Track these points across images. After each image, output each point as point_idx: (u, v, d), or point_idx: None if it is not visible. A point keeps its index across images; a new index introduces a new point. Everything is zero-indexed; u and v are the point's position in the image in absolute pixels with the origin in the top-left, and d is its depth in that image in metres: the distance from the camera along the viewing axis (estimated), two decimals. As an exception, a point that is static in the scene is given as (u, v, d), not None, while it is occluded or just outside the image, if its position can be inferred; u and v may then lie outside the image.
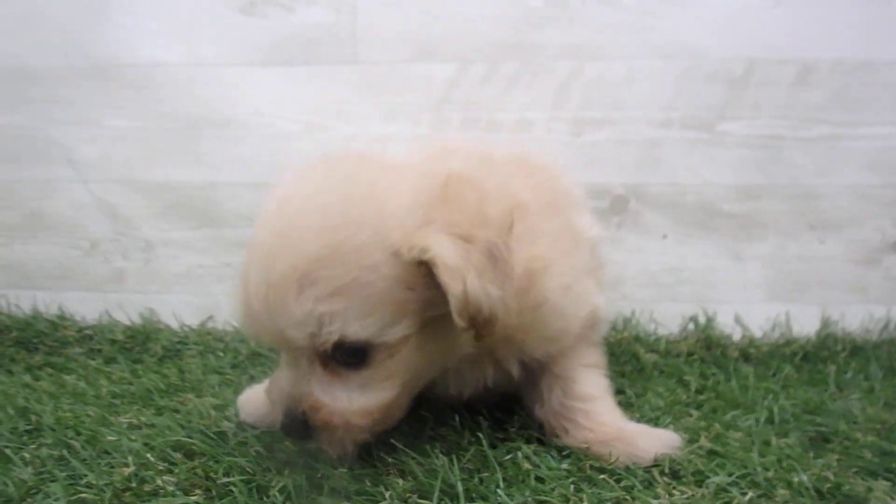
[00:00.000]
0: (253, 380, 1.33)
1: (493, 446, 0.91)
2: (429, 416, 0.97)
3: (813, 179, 1.63)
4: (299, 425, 0.75)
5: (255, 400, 1.04)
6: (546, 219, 0.88)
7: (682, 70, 1.63)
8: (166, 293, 1.73)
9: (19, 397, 1.17)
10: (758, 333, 1.63)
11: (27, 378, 1.34)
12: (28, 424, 1.04)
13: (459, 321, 0.71)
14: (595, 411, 0.95)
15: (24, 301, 1.72)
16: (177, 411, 1.13)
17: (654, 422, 1.07)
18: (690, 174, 1.65)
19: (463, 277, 0.69)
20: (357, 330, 0.71)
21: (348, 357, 0.74)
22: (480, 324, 0.72)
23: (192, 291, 1.72)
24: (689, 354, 1.54)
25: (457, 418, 0.98)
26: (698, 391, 1.28)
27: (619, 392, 1.26)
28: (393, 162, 0.82)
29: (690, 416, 1.13)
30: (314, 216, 0.73)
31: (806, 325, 1.63)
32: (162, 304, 1.73)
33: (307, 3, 1.68)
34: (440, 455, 0.84)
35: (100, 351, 1.55)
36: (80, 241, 1.74)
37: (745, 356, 1.53)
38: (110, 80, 1.70)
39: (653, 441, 0.92)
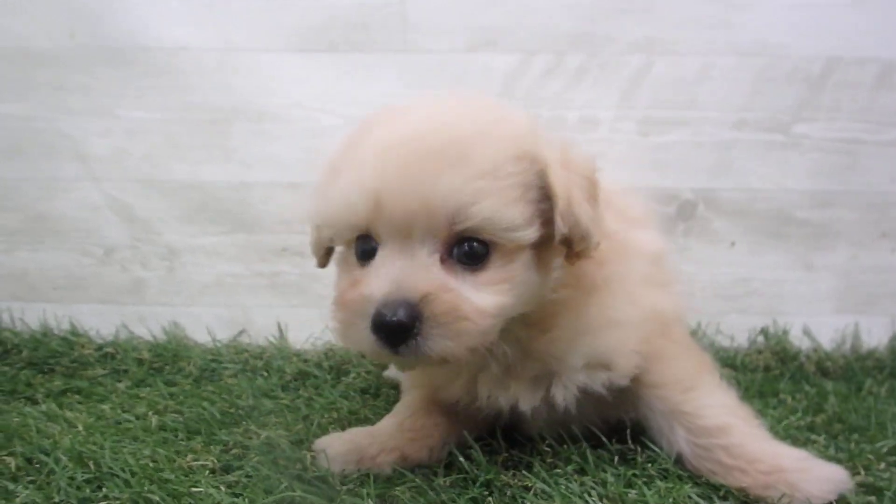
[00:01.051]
0: (311, 404, 1.19)
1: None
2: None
3: (888, 186, 1.55)
4: (409, 317, 0.70)
5: (337, 445, 0.92)
6: None
7: (759, 69, 1.52)
8: (192, 305, 1.55)
9: (60, 434, 0.99)
10: (827, 345, 1.56)
11: (54, 407, 1.17)
12: (86, 472, 0.87)
13: (562, 225, 0.75)
14: (735, 444, 0.85)
15: (31, 315, 1.53)
16: (246, 447, 0.98)
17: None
18: (763, 179, 1.55)
19: (568, 186, 0.76)
20: (502, 217, 0.73)
21: (469, 256, 0.75)
22: (577, 238, 0.77)
23: (222, 303, 1.55)
24: (766, 369, 1.47)
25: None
26: (805, 412, 1.19)
27: None
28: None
29: (815, 441, 1.04)
30: (464, 105, 0.79)
31: (875, 337, 1.57)
32: (187, 318, 1.55)
33: (347, -20, 1.51)
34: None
35: (125, 372, 1.38)
36: (92, 248, 1.55)
37: (822, 370, 1.47)
38: (127, 64, 1.50)
39: (820, 483, 0.81)
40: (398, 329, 0.70)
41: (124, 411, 1.13)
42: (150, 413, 1.12)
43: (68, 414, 1.11)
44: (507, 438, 0.97)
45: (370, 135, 0.77)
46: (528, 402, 0.87)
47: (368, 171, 0.73)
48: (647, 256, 0.94)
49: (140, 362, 1.39)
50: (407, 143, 0.74)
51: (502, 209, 0.73)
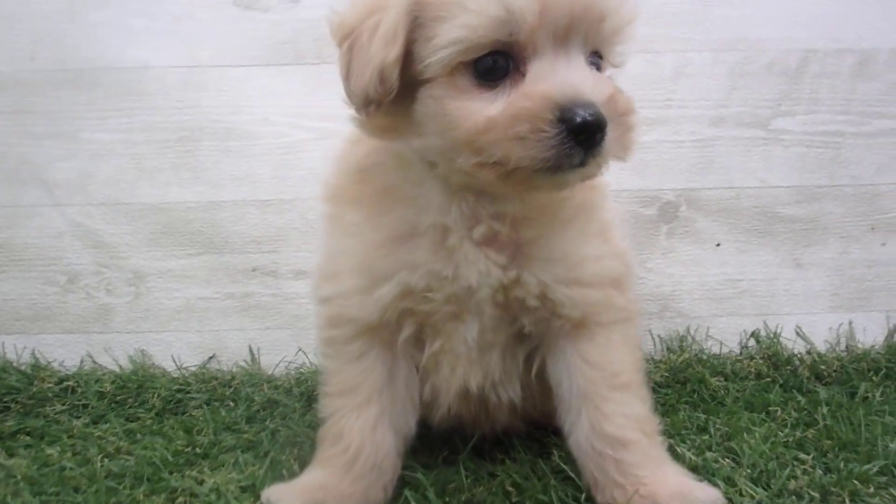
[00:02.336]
0: (275, 438, 1.13)
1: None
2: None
3: (874, 178, 1.52)
4: (601, 118, 0.69)
5: (289, 498, 0.86)
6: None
7: (735, 63, 1.50)
8: (161, 332, 1.49)
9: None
10: (821, 346, 1.50)
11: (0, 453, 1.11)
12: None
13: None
14: (627, 462, 0.84)
15: (-8, 348, 1.47)
16: (195, 495, 0.91)
17: (766, 475, 0.93)
18: (746, 176, 1.52)
19: None
20: (629, 29, 0.76)
21: (595, 66, 0.76)
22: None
23: (192, 329, 1.49)
24: (758, 376, 1.41)
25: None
26: (794, 426, 1.13)
27: (702, 430, 1.13)
28: None
29: (803, 461, 0.98)
30: None
31: (871, 334, 1.51)
32: (156, 345, 1.49)
33: (314, -8, 1.49)
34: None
35: (86, 406, 1.32)
36: (56, 276, 1.49)
37: (817, 375, 1.41)
38: (90, 86, 1.47)
39: None
40: (597, 128, 0.68)
41: (75, 454, 1.08)
42: (99, 457, 1.06)
43: (11, 461, 1.05)
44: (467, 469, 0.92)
45: None
46: (496, 278, 0.83)
47: None
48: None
49: (101, 395, 1.33)
50: None
51: (633, 16, 0.75)
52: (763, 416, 1.20)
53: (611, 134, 0.70)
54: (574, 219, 0.86)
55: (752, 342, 1.51)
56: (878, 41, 1.49)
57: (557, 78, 0.70)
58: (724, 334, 1.52)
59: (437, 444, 1.06)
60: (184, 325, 1.49)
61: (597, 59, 0.77)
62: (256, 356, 1.49)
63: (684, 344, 1.50)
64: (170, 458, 1.05)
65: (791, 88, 1.50)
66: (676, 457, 0.97)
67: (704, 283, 1.53)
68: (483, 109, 0.71)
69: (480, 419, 1.01)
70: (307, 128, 1.48)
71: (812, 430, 1.10)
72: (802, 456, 1.00)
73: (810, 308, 1.53)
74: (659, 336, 1.50)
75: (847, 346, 1.50)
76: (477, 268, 0.83)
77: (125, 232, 1.48)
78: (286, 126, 1.48)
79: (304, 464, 0.96)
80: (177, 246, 1.49)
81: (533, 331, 0.89)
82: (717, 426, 1.13)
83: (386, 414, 0.89)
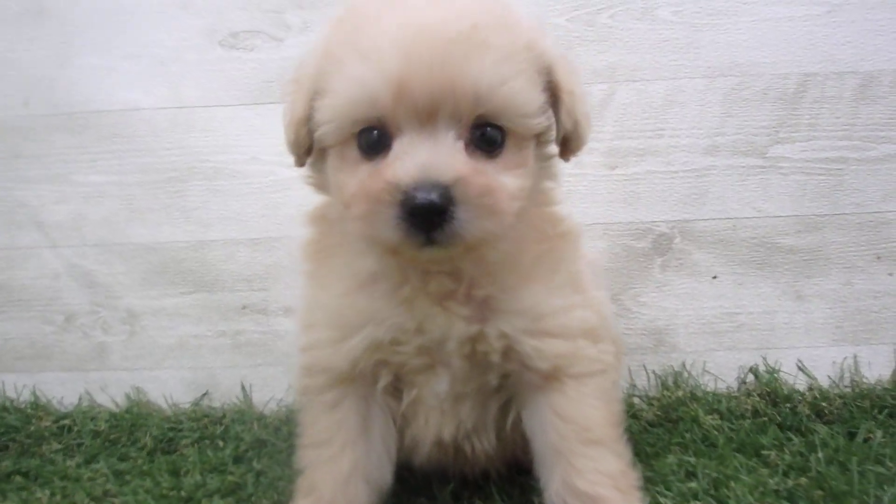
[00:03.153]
0: (259, 481, 1.14)
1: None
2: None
3: (879, 205, 1.45)
4: (443, 199, 0.69)
5: None
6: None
7: (730, 89, 1.45)
8: (155, 369, 1.52)
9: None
10: (824, 381, 1.45)
11: (-7, 495, 1.14)
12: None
13: (567, 122, 0.79)
14: None
15: (-5, 386, 1.51)
16: None
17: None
18: (743, 206, 1.47)
19: (574, 81, 0.79)
20: (523, 101, 0.74)
21: (486, 141, 0.75)
22: (574, 136, 0.82)
23: (186, 366, 1.52)
24: (755, 414, 1.36)
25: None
26: (785, 473, 1.09)
27: (690, 475, 1.10)
28: None
29: None
30: (456, 8, 0.75)
31: (877, 369, 1.45)
32: (151, 382, 1.52)
33: (298, 30, 1.49)
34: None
35: (80, 446, 1.34)
36: (53, 315, 1.53)
37: (818, 412, 1.35)
38: (81, 130, 1.50)
39: None
40: (433, 211, 0.69)
41: (63, 497, 1.10)
42: (86, 502, 1.08)
43: None
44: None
45: (374, 22, 0.74)
46: (461, 331, 0.82)
47: (389, 57, 0.70)
48: (588, 262, 0.97)
49: (96, 434, 1.36)
50: (428, 29, 0.71)
51: (523, 92, 0.74)
52: (755, 460, 1.16)
53: (463, 216, 0.70)
54: (538, 270, 0.85)
55: (750, 377, 1.47)
56: (881, 63, 1.42)
57: (407, 158, 0.71)
58: (722, 369, 1.48)
59: (416, 487, 1.06)
60: (177, 363, 1.52)
61: (492, 131, 0.75)
62: (248, 393, 1.50)
63: (679, 380, 1.47)
64: (152, 502, 1.07)
65: (789, 114, 1.45)
66: (658, 508, 0.95)
67: (701, 316, 1.49)
68: (351, 183, 0.75)
69: (460, 463, 1.00)
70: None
71: (804, 478, 1.05)
72: (792, 509, 0.96)
73: (812, 342, 1.48)
74: (654, 371, 1.47)
75: (851, 381, 1.45)
76: (437, 323, 0.83)
77: (119, 272, 1.51)
78: (274, 164, 1.49)
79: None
80: (169, 285, 1.51)
81: (504, 383, 0.89)
82: (705, 471, 1.10)
83: (360, 466, 0.90)
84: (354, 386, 0.89)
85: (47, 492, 1.13)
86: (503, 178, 0.75)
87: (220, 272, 1.50)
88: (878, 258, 1.46)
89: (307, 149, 0.83)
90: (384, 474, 0.92)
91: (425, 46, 0.70)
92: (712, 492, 1.03)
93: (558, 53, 0.80)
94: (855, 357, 1.46)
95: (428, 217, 0.69)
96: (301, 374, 0.93)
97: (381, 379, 0.88)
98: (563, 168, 1.43)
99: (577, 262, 0.91)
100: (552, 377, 0.86)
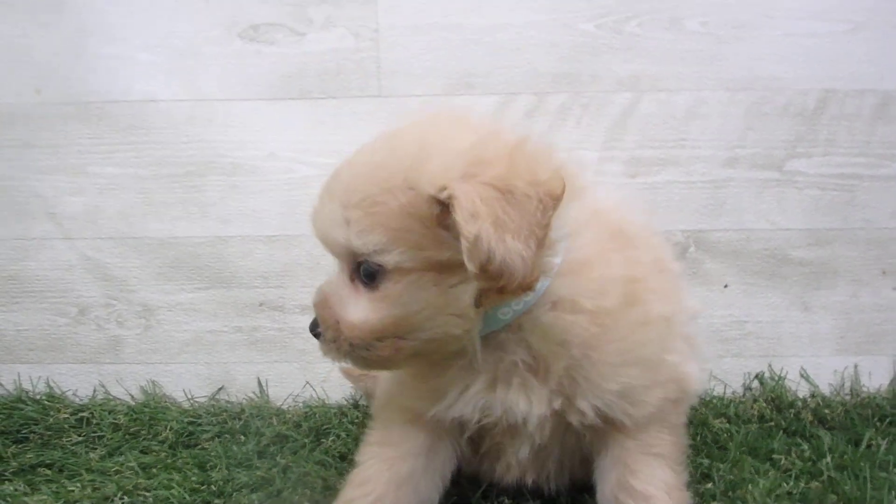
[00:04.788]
0: (286, 475, 1.16)
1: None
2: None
3: (888, 222, 1.49)
4: (313, 324, 0.85)
5: None
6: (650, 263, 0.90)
7: (751, 103, 1.46)
8: (171, 363, 1.52)
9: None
10: (826, 389, 1.50)
11: (22, 486, 1.14)
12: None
13: (470, 264, 0.71)
14: None
15: (6, 376, 1.50)
16: None
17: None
18: (758, 218, 1.49)
19: (479, 222, 0.70)
20: (362, 244, 0.77)
21: (366, 275, 0.80)
22: (492, 273, 0.72)
23: (202, 361, 1.52)
24: (762, 419, 1.41)
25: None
26: (798, 476, 1.13)
27: (705, 477, 1.14)
28: (479, 123, 0.86)
29: None
30: (371, 148, 0.84)
31: (877, 379, 1.51)
32: (166, 376, 1.52)
33: (321, 26, 1.46)
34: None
35: (101, 438, 1.35)
36: (67, 308, 1.52)
37: (820, 419, 1.40)
38: (97, 120, 1.46)
39: None
40: (312, 329, 0.85)
41: (94, 490, 1.11)
42: (118, 494, 1.09)
43: (35, 498, 1.08)
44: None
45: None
46: (544, 409, 0.85)
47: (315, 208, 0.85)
48: (689, 313, 0.97)
49: (116, 427, 1.36)
50: (330, 180, 0.84)
51: (369, 236, 0.77)
52: (767, 464, 1.20)
53: (328, 335, 0.83)
54: (626, 360, 0.85)
55: (755, 384, 1.51)
56: (900, 83, 1.44)
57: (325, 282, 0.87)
58: (729, 376, 1.52)
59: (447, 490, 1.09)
60: (193, 357, 1.52)
61: (372, 266, 0.80)
62: (265, 389, 1.51)
63: (688, 384, 1.51)
64: (186, 496, 1.08)
65: (808, 130, 1.46)
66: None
67: (710, 324, 1.52)
68: None
69: None
70: (313, 163, 1.47)
71: (816, 483, 1.10)
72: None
73: (816, 351, 1.52)
74: (662, 376, 1.51)
75: (851, 390, 1.50)
76: (520, 408, 0.85)
77: (134, 265, 1.50)
78: (292, 161, 1.48)
79: (315, 504, 0.99)
80: (185, 280, 1.50)
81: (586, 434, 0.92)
82: (720, 473, 1.14)
83: (415, 477, 0.92)
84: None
85: (77, 484, 1.14)
86: (360, 310, 0.80)
87: (236, 268, 1.50)
88: (884, 273, 1.50)
89: None
90: (433, 494, 0.95)
91: (322, 196, 0.83)
92: (729, 493, 1.07)
93: (465, 195, 0.71)
94: (856, 367, 1.51)
95: (314, 335, 0.86)
96: (379, 401, 1.03)
97: (466, 432, 0.92)
98: (585, 175, 1.47)
99: (666, 346, 0.89)
100: (634, 426, 0.90)
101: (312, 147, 1.47)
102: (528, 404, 0.85)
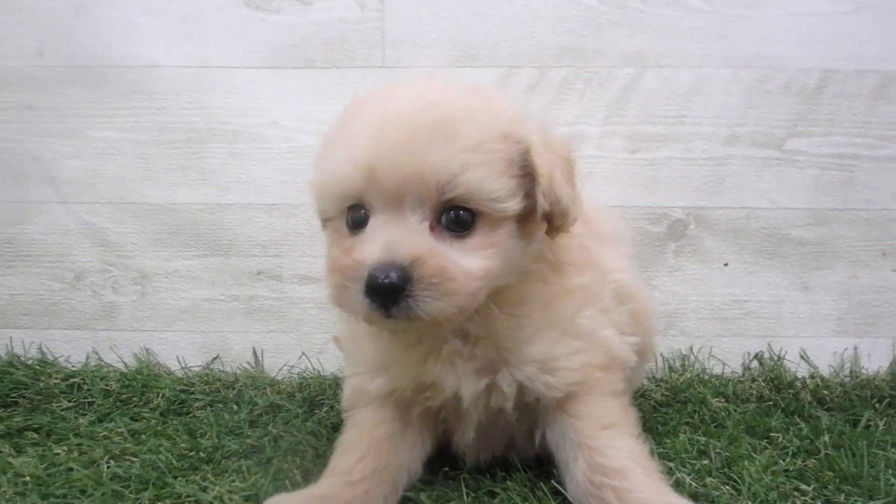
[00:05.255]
0: (277, 444, 1.14)
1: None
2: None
3: (889, 203, 1.49)
4: (400, 280, 0.75)
5: None
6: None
7: (753, 80, 1.47)
8: (166, 331, 1.50)
9: (6, 485, 0.95)
10: (825, 370, 1.50)
11: (7, 448, 1.12)
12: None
13: (543, 202, 0.81)
14: (626, 489, 0.86)
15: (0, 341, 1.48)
16: (199, 503, 0.93)
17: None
18: (758, 196, 1.49)
19: (550, 166, 0.82)
20: (488, 188, 0.78)
21: (456, 223, 0.79)
22: (557, 214, 0.83)
23: (197, 329, 1.50)
24: (760, 398, 1.40)
25: None
26: (794, 454, 1.12)
27: (702, 454, 1.12)
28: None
29: (804, 491, 0.98)
30: (454, 88, 0.85)
31: (876, 361, 1.50)
32: (161, 344, 1.50)
33: (326, -5, 1.46)
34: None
35: (91, 404, 1.33)
36: (63, 273, 1.50)
37: (819, 399, 1.39)
38: (98, 84, 1.46)
39: None
40: (390, 290, 0.74)
41: (81, 454, 1.09)
42: (105, 458, 1.07)
43: (20, 460, 1.06)
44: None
45: (362, 112, 0.82)
46: (471, 387, 0.88)
47: (362, 145, 0.78)
48: (614, 289, 1.00)
49: (107, 393, 1.35)
50: (398, 119, 0.78)
51: (486, 181, 0.78)
52: (764, 442, 1.19)
53: (421, 293, 0.76)
54: (543, 326, 0.90)
55: (754, 364, 1.51)
56: (901, 63, 1.45)
57: (375, 238, 0.78)
58: (727, 355, 1.51)
59: (437, 458, 1.07)
60: (188, 326, 1.50)
61: (462, 213, 0.80)
62: (260, 359, 1.50)
63: (686, 363, 1.50)
64: (174, 462, 1.06)
65: (808, 109, 1.47)
66: (676, 482, 0.98)
67: (710, 302, 1.52)
68: (333, 254, 0.83)
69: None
70: (315, 133, 1.47)
71: (813, 460, 1.09)
72: (803, 487, 0.99)
73: (815, 332, 1.52)
74: (662, 354, 1.50)
75: (851, 372, 1.50)
76: (449, 381, 0.89)
77: (132, 231, 1.49)
78: (294, 130, 1.47)
79: (306, 473, 0.99)
80: (183, 247, 1.49)
81: (524, 412, 0.95)
82: (717, 450, 1.13)
83: (394, 440, 0.94)
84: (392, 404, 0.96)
85: (64, 448, 1.12)
86: (464, 260, 0.79)
87: (235, 236, 1.49)
88: (884, 254, 1.50)
89: (325, 220, 0.90)
90: (415, 460, 0.97)
91: (392, 135, 0.77)
92: (725, 470, 1.06)
93: (537, 140, 0.82)
94: (855, 348, 1.51)
95: (386, 295, 0.75)
96: (347, 388, 1.02)
97: (415, 408, 0.95)
98: (586, 150, 1.47)
99: (582, 313, 0.94)
100: (567, 399, 0.93)
101: (315, 116, 1.47)
102: (457, 380, 0.89)
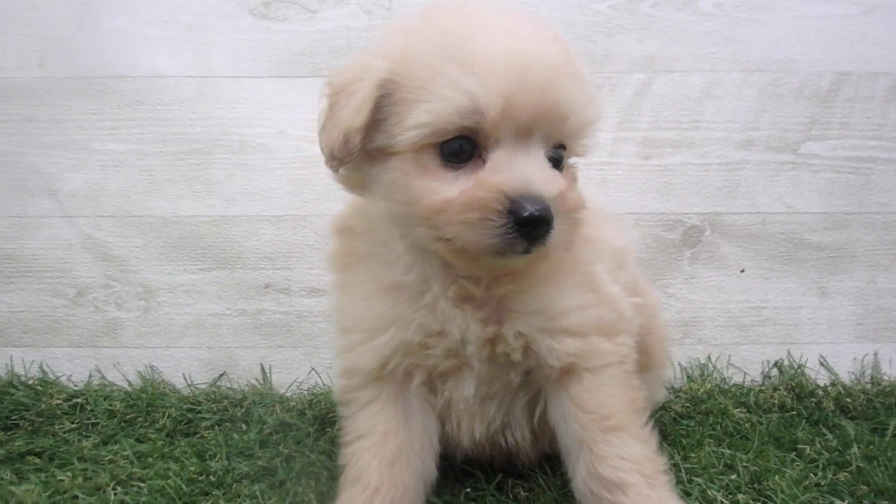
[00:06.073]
0: (290, 465, 1.10)
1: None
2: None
3: (905, 205, 1.47)
4: (551, 211, 0.75)
5: None
6: None
7: (765, 84, 1.45)
8: (171, 347, 1.46)
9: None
10: (845, 377, 1.47)
11: (9, 475, 1.08)
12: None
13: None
14: None
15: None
16: None
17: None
18: (773, 201, 1.47)
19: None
20: (595, 124, 0.81)
21: (555, 160, 0.81)
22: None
23: (203, 345, 1.46)
24: (782, 408, 1.36)
25: None
26: (825, 467, 1.09)
27: (728, 468, 1.09)
28: None
29: None
30: (544, 27, 0.83)
31: (896, 367, 1.48)
32: (165, 361, 1.46)
33: (333, 3, 1.45)
34: None
35: (95, 425, 1.29)
36: (65, 288, 1.46)
37: (842, 408, 1.36)
38: (101, 95, 1.43)
39: None
40: (542, 223, 0.74)
41: (86, 479, 1.05)
42: (111, 484, 1.03)
43: (22, 487, 1.02)
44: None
45: (478, 39, 0.77)
46: (478, 331, 0.86)
47: (500, 73, 0.74)
48: (613, 252, 0.98)
49: (111, 414, 1.30)
50: (536, 54, 0.76)
51: (596, 116, 0.81)
52: (792, 454, 1.16)
53: (558, 227, 0.75)
54: (554, 272, 0.88)
55: (774, 371, 1.48)
56: (914, 65, 1.44)
57: (512, 170, 0.75)
58: (746, 363, 1.48)
59: (460, 478, 1.04)
60: (194, 342, 1.46)
61: (559, 150, 0.82)
62: (268, 375, 1.46)
63: (705, 372, 1.47)
64: (183, 486, 1.02)
65: (822, 112, 1.46)
66: (706, 499, 0.95)
67: (727, 309, 1.49)
68: (442, 190, 0.77)
69: (499, 457, 1.02)
70: (323, 142, 1.44)
71: (845, 473, 1.06)
72: (838, 502, 0.96)
73: (834, 338, 1.49)
74: (679, 364, 1.47)
75: (872, 378, 1.47)
76: (457, 324, 0.86)
77: (135, 245, 1.45)
78: (301, 140, 1.44)
79: (321, 497, 0.95)
80: (188, 260, 1.46)
81: (526, 380, 0.92)
82: (744, 464, 1.09)
83: (403, 452, 0.90)
84: (389, 384, 0.92)
85: (68, 473, 1.08)
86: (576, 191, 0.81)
87: (242, 249, 1.45)
88: (902, 258, 1.48)
89: (352, 153, 0.81)
90: (428, 464, 0.93)
91: (534, 70, 0.75)
92: (755, 485, 1.03)
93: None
94: (875, 354, 1.48)
95: (536, 228, 0.74)
96: (339, 375, 0.96)
97: (415, 379, 0.91)
98: (598, 156, 1.45)
99: (593, 263, 0.93)
100: (568, 371, 0.89)
101: (322, 125, 1.44)
102: (466, 324, 0.86)
